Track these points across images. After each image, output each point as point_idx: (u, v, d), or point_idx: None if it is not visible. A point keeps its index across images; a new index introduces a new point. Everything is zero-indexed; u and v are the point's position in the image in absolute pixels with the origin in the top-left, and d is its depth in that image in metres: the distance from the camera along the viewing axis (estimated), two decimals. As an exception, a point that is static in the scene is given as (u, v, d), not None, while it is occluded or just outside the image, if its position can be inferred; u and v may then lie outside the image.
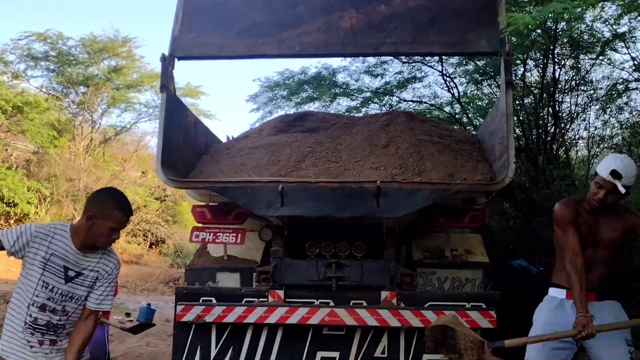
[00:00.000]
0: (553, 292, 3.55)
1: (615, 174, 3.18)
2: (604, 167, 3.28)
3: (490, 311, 4.46)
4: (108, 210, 2.79)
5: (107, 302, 2.91)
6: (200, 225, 5.09)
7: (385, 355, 4.57)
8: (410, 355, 4.55)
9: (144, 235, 25.37)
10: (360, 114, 9.30)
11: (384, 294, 4.65)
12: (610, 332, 3.20)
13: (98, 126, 25.63)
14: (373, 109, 11.05)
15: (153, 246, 25.64)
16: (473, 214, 4.93)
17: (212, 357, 4.62)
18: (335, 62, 11.47)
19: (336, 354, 4.59)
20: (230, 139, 6.05)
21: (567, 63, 9.14)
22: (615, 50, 8.53)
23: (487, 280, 4.98)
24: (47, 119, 20.64)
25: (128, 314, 9.58)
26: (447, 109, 10.96)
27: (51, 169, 22.03)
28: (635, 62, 8.17)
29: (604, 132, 10.06)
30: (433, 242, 5.30)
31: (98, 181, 23.47)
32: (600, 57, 8.71)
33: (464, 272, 5.02)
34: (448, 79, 10.42)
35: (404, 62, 10.56)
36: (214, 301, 4.71)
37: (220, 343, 4.64)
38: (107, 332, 5.69)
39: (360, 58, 10.31)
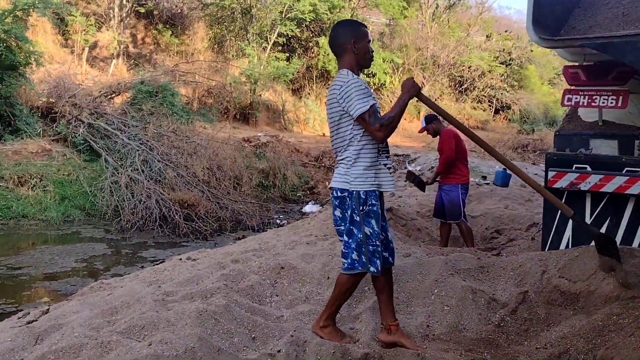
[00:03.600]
0: None
1: None
2: None
3: None
4: (359, 31, 3.17)
5: None
6: (572, 87, 4.68)
7: None
8: None
9: (489, 102, 25.32)
10: None
11: None
12: None
13: (443, -8, 25.61)
14: None
15: (499, 112, 25.43)
16: None
17: (585, 226, 4.42)
18: None
19: None
20: (607, -14, 5.19)
21: None
22: None
23: None
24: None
25: (484, 177, 9.95)
26: None
27: (402, 39, 23.37)
28: None
29: None
30: None
31: (444, 48, 23.97)
32: None
33: None
34: None
35: None
36: (589, 169, 4.39)
37: (596, 213, 4.37)
38: (462, 192, 5.88)
39: None
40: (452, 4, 25.69)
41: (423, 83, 24.10)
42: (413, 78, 3.21)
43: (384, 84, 22.06)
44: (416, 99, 3.22)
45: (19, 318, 4.01)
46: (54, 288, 6.02)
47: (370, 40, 3.22)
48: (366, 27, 3.28)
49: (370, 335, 3.23)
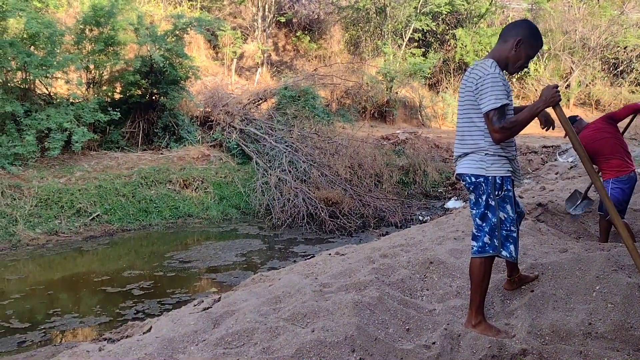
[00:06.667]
0: None
1: None
2: None
3: None
4: (535, 40, 3.10)
5: None
6: None
7: None
8: None
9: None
10: None
11: None
12: None
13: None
14: None
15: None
16: None
17: None
18: None
19: None
20: None
21: None
22: None
23: None
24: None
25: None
26: None
27: (546, 23, 21.98)
28: None
29: None
30: None
31: (594, 30, 22.17)
32: None
33: None
34: None
35: None
36: None
37: None
38: (613, 187, 5.36)
39: None
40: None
41: (572, 68, 22.45)
42: (558, 86, 3.09)
43: (528, 72, 20.92)
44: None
45: (195, 305, 4.53)
46: (220, 279, 6.66)
47: (531, 58, 3.14)
48: (542, 46, 3.22)
49: (526, 331, 3.19)
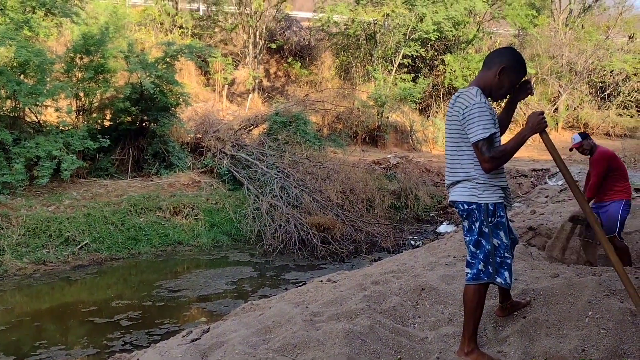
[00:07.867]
0: None
1: None
2: None
3: None
4: (519, 68, 3.11)
5: None
6: None
7: None
8: None
9: (636, 107, 23.21)
10: None
11: None
12: None
13: (575, -5, 24.16)
14: None
15: (648, 117, 23.21)
16: None
17: None
18: None
19: None
20: None
21: None
22: None
23: None
24: (524, -1, 20.71)
25: (638, 190, 9.12)
26: None
27: (533, 48, 22.32)
28: None
29: None
30: None
31: (581, 54, 22.52)
32: None
33: None
34: None
35: None
36: None
37: None
38: (623, 209, 5.47)
39: None
40: (588, 7, 24.05)
41: (559, 92, 22.73)
42: (543, 112, 3.11)
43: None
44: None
45: (183, 336, 4.45)
46: (210, 309, 6.56)
47: (513, 86, 3.15)
48: (525, 74, 3.22)
49: (520, 359, 3.14)
